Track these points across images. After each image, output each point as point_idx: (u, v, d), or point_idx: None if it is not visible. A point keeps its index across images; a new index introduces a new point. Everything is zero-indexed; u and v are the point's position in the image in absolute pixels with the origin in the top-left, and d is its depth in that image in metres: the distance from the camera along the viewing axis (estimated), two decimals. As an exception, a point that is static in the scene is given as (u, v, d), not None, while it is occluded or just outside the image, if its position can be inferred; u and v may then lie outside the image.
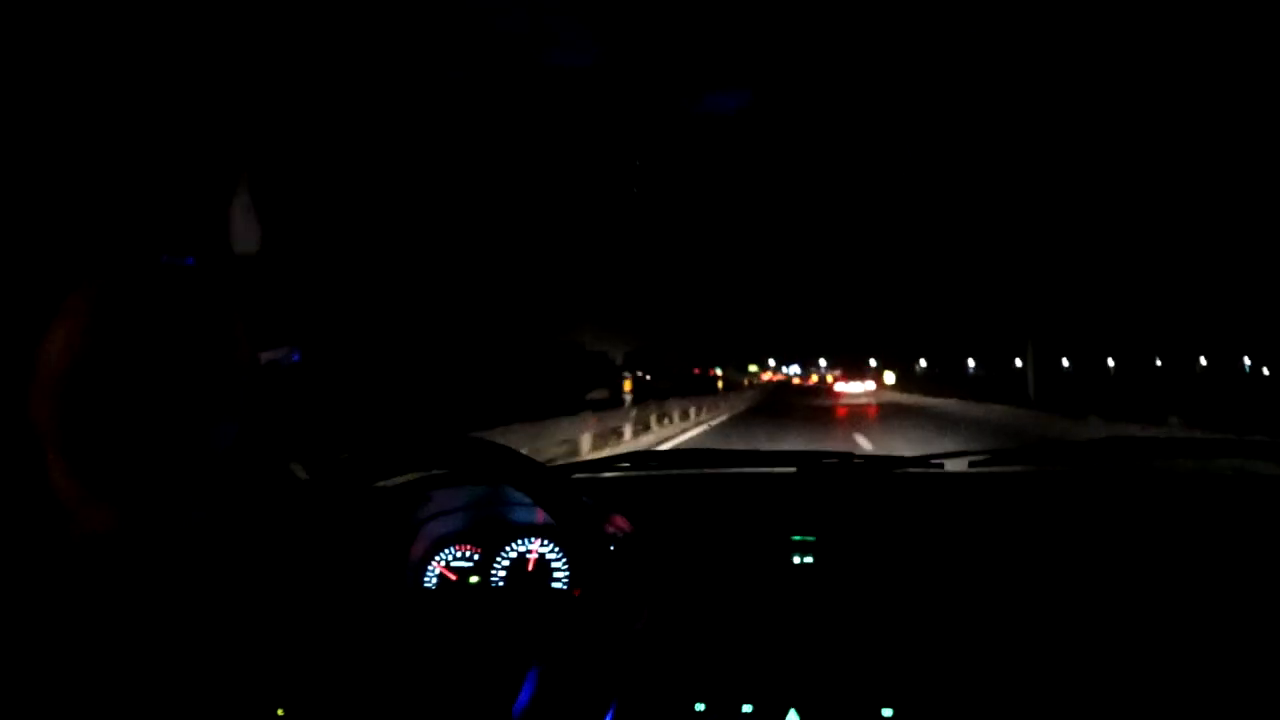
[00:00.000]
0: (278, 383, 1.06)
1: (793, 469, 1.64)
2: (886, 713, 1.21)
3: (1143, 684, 1.17)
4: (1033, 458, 1.65)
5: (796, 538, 1.41)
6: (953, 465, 1.61)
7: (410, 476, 1.47)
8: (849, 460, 1.64)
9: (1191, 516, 1.38)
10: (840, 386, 37.29)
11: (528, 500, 1.45)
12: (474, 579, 1.49)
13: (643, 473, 1.76)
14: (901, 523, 1.43)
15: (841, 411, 25.61)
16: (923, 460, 1.63)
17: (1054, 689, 1.19)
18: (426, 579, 1.50)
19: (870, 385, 37.11)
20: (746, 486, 1.68)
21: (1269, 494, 1.45)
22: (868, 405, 29.51)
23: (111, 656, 0.88)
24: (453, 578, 1.50)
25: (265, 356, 0.97)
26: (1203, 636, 1.20)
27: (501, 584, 1.48)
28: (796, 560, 1.39)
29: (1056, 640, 1.23)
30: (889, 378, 53.19)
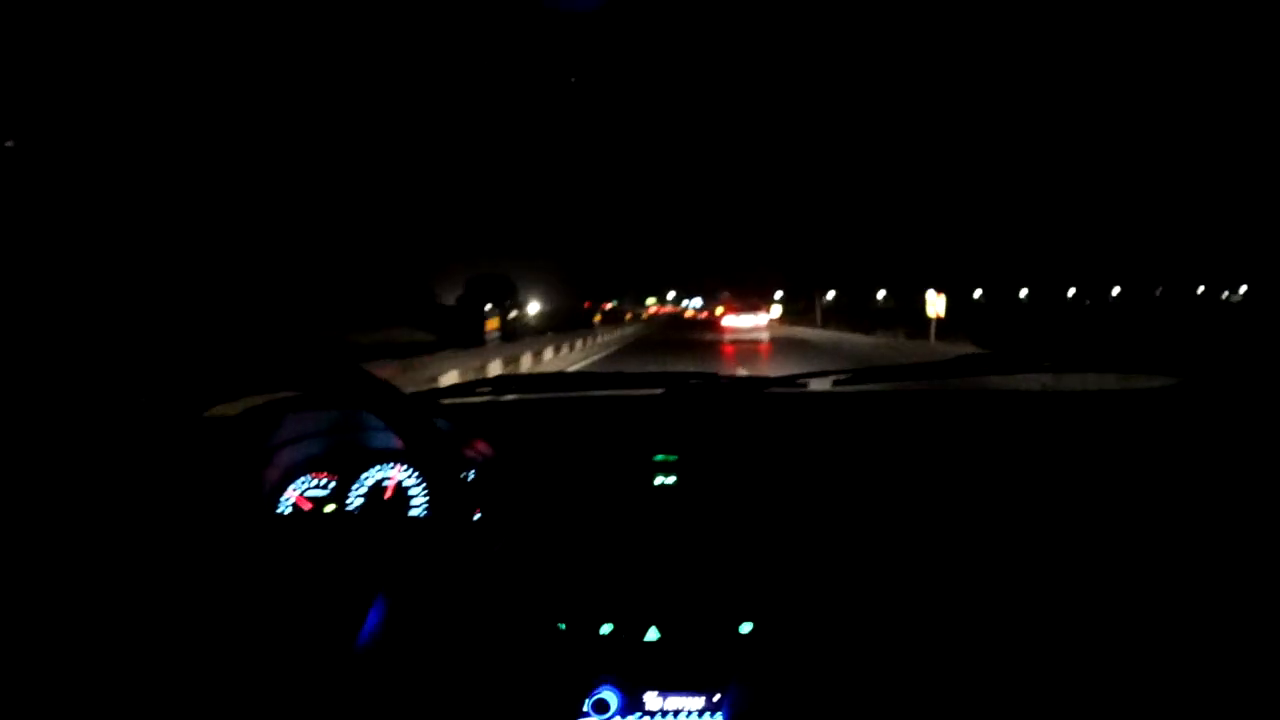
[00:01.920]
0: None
1: (658, 390, 1.75)
2: (745, 628, 1.34)
3: (987, 593, 1.31)
4: (892, 375, 1.80)
5: (659, 458, 1.51)
6: (817, 385, 1.74)
7: (257, 401, 1.49)
8: (714, 380, 1.76)
9: (1020, 426, 1.57)
10: (729, 320, 27.39)
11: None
12: (329, 507, 1.54)
13: (505, 397, 1.83)
14: (764, 441, 1.55)
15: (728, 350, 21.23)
16: (788, 380, 1.75)
17: (906, 600, 1.32)
18: (280, 507, 1.54)
19: (764, 318, 27.48)
20: (611, 408, 1.78)
21: (1073, 404, 1.66)
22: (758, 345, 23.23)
23: None
24: (307, 506, 1.54)
25: None
26: (1048, 542, 1.34)
27: (358, 512, 1.54)
28: (659, 480, 1.49)
29: (908, 552, 1.37)
30: (937, 304, 25.01)
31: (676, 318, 79.81)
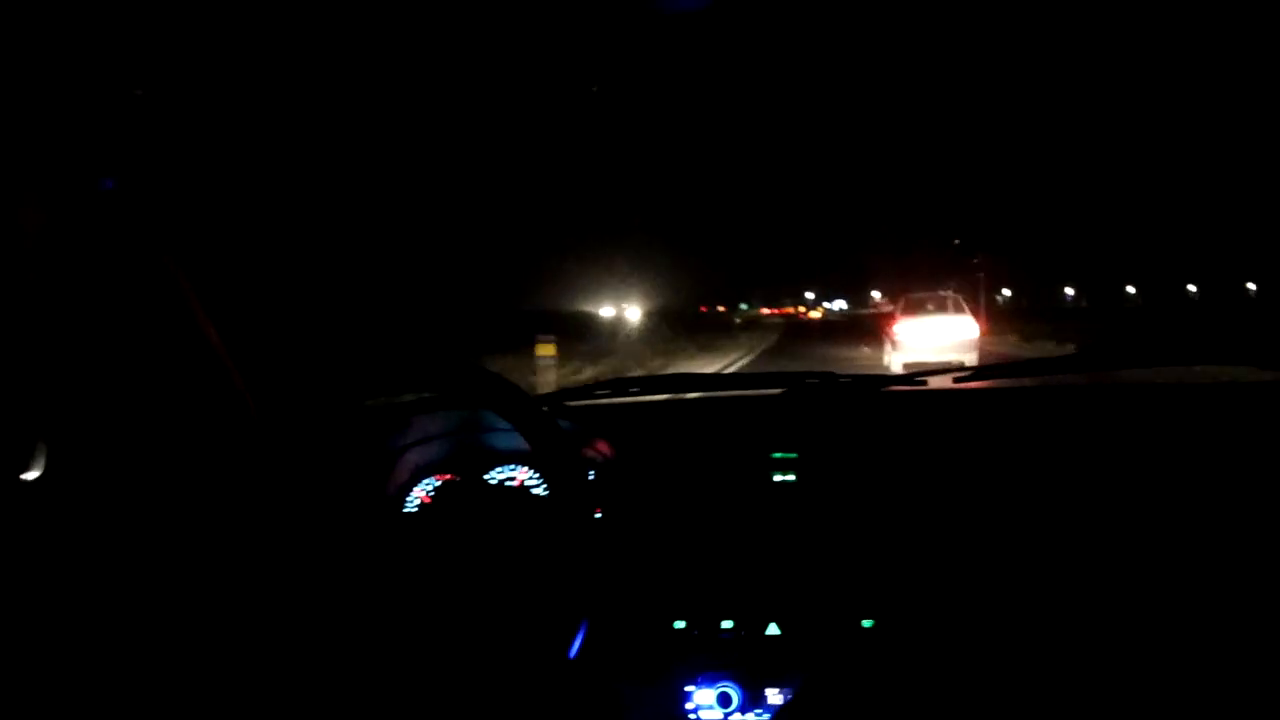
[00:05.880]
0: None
1: (776, 390, 1.94)
2: (867, 624, 1.51)
3: (1119, 595, 1.41)
4: (1013, 371, 1.93)
5: (777, 455, 1.70)
6: (937, 382, 1.90)
7: (386, 401, 1.73)
8: (833, 379, 1.94)
9: (1162, 423, 1.65)
10: (908, 330, 15.92)
11: (511, 426, 1.74)
12: (454, 508, 1.78)
13: (626, 399, 2.06)
14: (883, 438, 1.72)
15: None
16: (907, 378, 1.93)
17: (1031, 597, 1.43)
18: (406, 508, 1.78)
19: (970, 327, 16.12)
20: (730, 408, 1.99)
21: (1238, 398, 1.75)
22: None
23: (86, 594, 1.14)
24: (433, 506, 1.78)
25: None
26: (1185, 544, 1.43)
27: (483, 512, 1.77)
28: (778, 478, 1.68)
29: (1035, 551, 1.50)
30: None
31: (793, 322, 67.47)
